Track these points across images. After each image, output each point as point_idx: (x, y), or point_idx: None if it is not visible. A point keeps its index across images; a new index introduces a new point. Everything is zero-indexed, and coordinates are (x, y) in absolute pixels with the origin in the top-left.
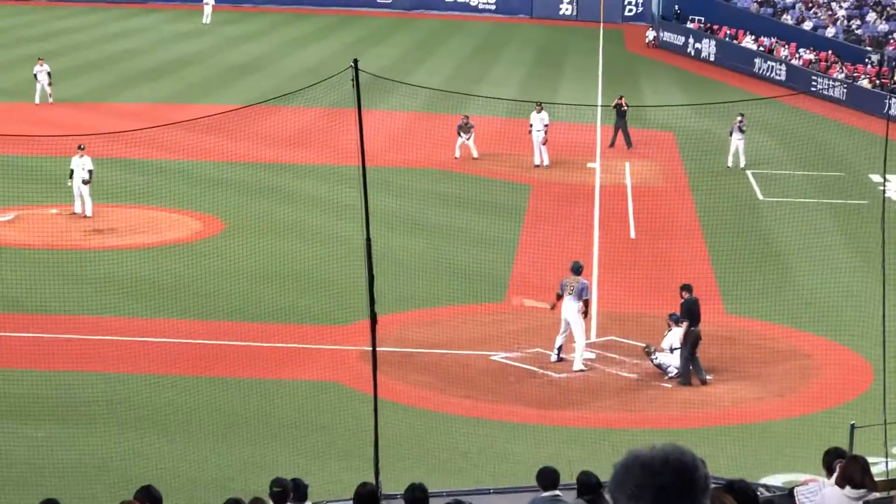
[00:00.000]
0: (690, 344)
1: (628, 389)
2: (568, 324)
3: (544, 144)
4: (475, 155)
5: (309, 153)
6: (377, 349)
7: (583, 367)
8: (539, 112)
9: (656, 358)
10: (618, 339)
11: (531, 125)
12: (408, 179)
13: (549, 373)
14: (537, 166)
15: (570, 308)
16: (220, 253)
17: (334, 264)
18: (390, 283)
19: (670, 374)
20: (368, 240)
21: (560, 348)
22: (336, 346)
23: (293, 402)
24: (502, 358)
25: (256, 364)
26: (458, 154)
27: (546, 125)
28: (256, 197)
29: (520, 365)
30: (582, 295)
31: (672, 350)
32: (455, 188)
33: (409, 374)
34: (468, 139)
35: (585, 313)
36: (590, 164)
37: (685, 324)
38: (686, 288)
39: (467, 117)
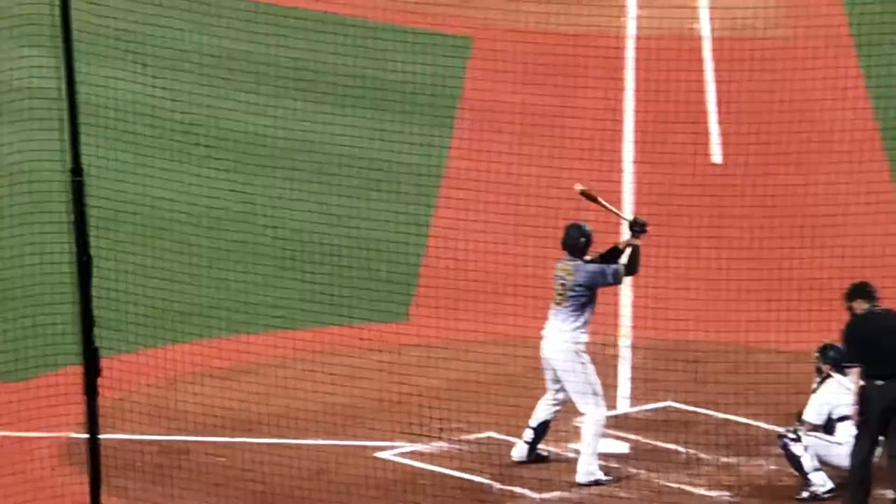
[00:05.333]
0: (870, 422)
1: None
2: (559, 378)
3: None
4: None
5: None
6: (99, 437)
7: (599, 476)
8: None
9: (793, 439)
10: (682, 405)
11: None
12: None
13: (519, 490)
14: None
15: (560, 340)
16: None
17: None
18: (136, 278)
19: (815, 489)
20: (77, 172)
21: (541, 429)
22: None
23: None
24: (403, 455)
25: None
26: None
27: None
28: None
29: (447, 472)
30: (584, 304)
31: (831, 425)
32: (274, 46)
33: (179, 495)
34: None
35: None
36: None
37: (855, 371)
38: (860, 292)
39: None
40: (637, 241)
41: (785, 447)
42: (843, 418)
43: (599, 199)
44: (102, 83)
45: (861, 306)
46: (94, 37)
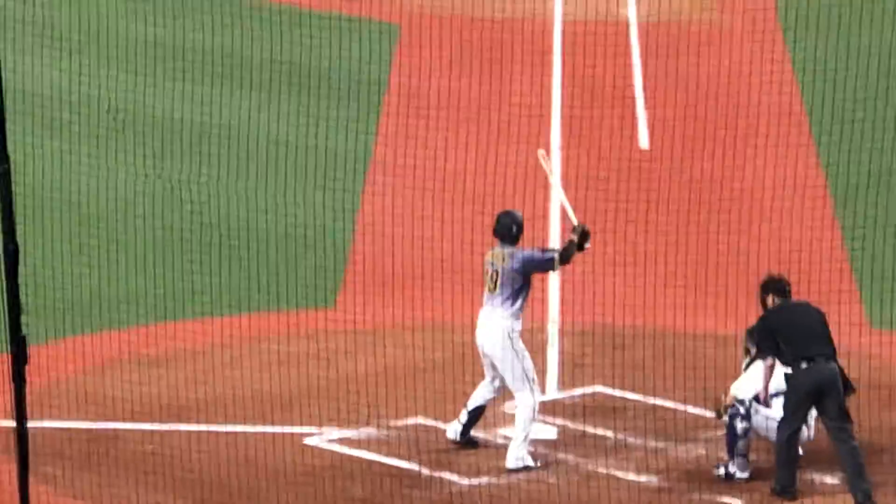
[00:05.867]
0: (795, 404)
1: None
2: (494, 367)
3: None
4: None
5: None
6: (27, 425)
7: (528, 462)
8: None
9: (743, 415)
10: (610, 390)
11: None
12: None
13: (448, 475)
14: None
15: (495, 327)
16: None
17: None
18: (63, 265)
19: (733, 471)
20: (3, 160)
21: (476, 413)
22: None
23: None
24: (331, 441)
25: None
26: None
27: None
28: None
29: (376, 458)
30: (518, 291)
31: (767, 401)
32: (202, 32)
33: (108, 483)
34: None
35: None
36: None
37: (768, 361)
38: (772, 287)
39: None
40: (575, 238)
41: (731, 417)
42: (777, 394)
43: (556, 182)
44: (29, 71)
45: (774, 301)
46: (21, 25)
